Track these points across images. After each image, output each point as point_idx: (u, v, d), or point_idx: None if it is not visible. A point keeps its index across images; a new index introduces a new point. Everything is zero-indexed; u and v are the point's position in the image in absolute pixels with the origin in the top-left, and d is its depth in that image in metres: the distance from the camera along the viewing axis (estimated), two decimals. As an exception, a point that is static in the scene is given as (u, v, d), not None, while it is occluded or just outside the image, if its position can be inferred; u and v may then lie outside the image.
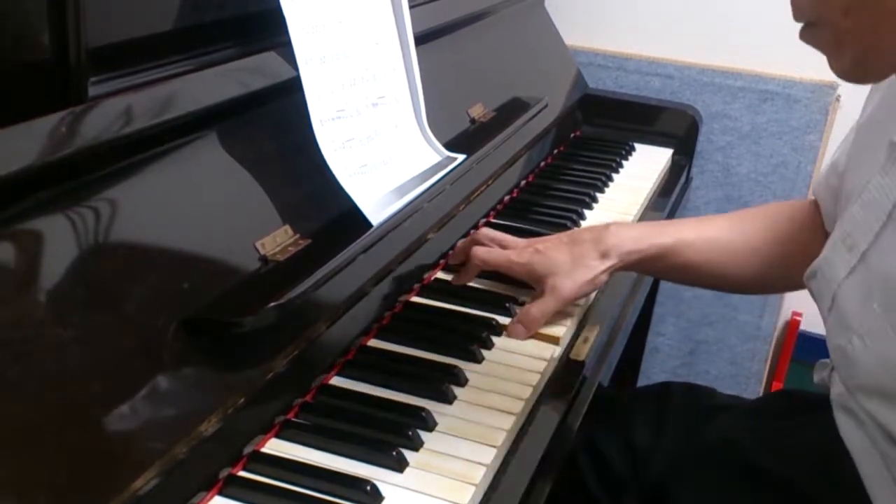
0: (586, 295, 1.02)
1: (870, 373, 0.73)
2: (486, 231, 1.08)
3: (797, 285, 0.92)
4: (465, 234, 1.16)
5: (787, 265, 0.99)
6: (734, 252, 1.02)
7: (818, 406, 0.88)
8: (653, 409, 1.05)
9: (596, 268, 1.00)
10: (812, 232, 0.97)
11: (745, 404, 1.08)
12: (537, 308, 0.97)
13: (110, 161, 0.70)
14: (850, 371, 0.76)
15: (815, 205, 0.99)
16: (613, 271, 1.02)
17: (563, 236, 1.05)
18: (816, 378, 0.90)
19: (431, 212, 1.03)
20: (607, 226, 1.04)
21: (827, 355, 0.84)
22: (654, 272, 1.13)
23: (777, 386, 1.92)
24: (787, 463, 0.89)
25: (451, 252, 1.10)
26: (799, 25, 0.68)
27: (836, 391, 0.82)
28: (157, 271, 0.71)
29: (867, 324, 0.73)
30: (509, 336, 0.96)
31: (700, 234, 1.03)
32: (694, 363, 1.95)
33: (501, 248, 1.05)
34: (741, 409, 1.05)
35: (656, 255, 1.02)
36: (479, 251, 1.04)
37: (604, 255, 1.00)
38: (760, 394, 1.93)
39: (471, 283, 1.06)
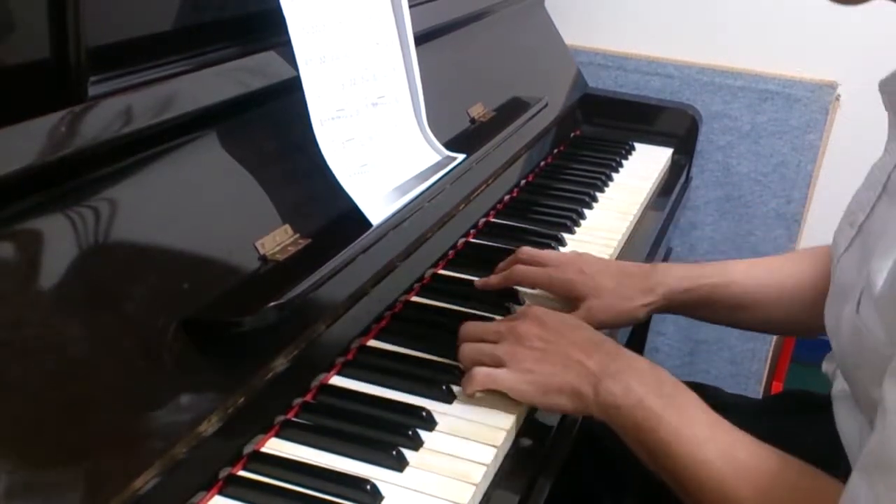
0: (618, 327, 1.01)
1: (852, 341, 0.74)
2: (528, 250, 1.05)
3: None
4: (466, 234, 1.16)
5: None
6: (785, 294, 1.00)
7: (824, 407, 0.88)
8: None
9: (636, 302, 0.99)
10: None
11: (752, 404, 1.08)
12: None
13: (110, 161, 0.70)
14: (839, 345, 0.77)
15: None
16: (653, 310, 1.01)
17: (610, 263, 1.05)
18: (824, 368, 0.90)
19: (431, 211, 1.03)
20: (655, 265, 1.03)
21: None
22: (701, 314, 1.07)
23: (777, 386, 1.92)
24: None
25: (451, 251, 1.10)
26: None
27: (838, 386, 0.82)
28: (157, 271, 0.71)
29: (858, 290, 0.73)
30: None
31: (750, 273, 1.01)
32: (694, 363, 1.95)
33: (541, 266, 1.02)
34: (748, 408, 1.04)
35: (704, 296, 1.00)
36: (519, 269, 1.01)
37: (647, 292, 0.99)
38: (760, 394, 1.93)
39: (470, 280, 1.05)
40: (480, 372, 0.82)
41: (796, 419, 0.96)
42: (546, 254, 1.05)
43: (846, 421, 0.80)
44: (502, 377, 0.82)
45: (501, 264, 1.05)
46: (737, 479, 0.72)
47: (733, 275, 1.02)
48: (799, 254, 1.06)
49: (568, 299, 1.00)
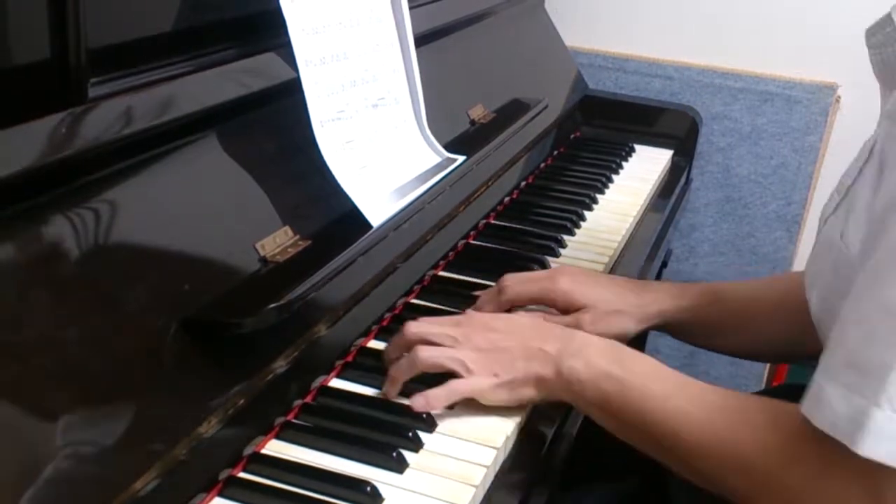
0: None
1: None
2: (512, 276, 1.00)
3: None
4: (465, 236, 1.16)
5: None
6: (784, 306, 0.98)
7: None
8: None
9: (628, 317, 0.97)
10: None
11: None
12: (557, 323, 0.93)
13: (110, 162, 0.70)
14: (818, 294, 0.77)
15: None
16: (646, 327, 0.98)
17: (601, 275, 1.02)
18: None
19: (431, 213, 1.03)
20: (648, 281, 1.00)
21: None
22: (697, 334, 1.03)
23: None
24: None
25: (451, 252, 1.09)
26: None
27: None
28: (158, 272, 0.71)
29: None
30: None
31: (746, 286, 1.00)
32: (694, 364, 1.95)
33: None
34: None
35: (700, 314, 0.98)
36: (513, 290, 0.97)
37: (641, 307, 0.97)
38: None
39: (470, 282, 1.05)
40: (455, 385, 0.80)
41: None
42: (530, 273, 1.02)
43: None
44: (476, 385, 0.81)
45: (487, 293, 0.99)
46: (710, 420, 0.73)
47: (727, 290, 1.00)
48: (799, 272, 1.04)
49: (562, 310, 0.97)
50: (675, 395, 0.76)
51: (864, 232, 0.70)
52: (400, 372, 0.82)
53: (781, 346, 1.02)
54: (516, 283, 0.98)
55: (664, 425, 0.75)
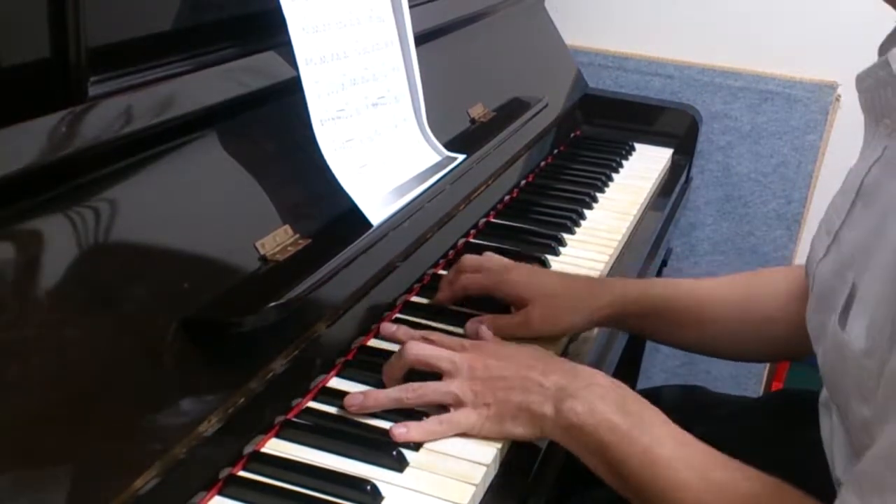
0: (554, 338, 0.96)
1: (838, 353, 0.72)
2: (470, 257, 1.02)
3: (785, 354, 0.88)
4: (466, 234, 1.16)
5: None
6: (752, 310, 0.98)
7: (814, 406, 0.88)
8: None
9: (580, 313, 0.96)
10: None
11: (740, 403, 1.08)
12: (505, 323, 0.94)
13: (110, 161, 0.70)
14: (823, 352, 0.76)
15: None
16: (596, 323, 0.98)
17: (554, 272, 1.03)
18: None
19: (431, 211, 1.03)
20: (601, 278, 0.99)
21: None
22: (651, 329, 1.03)
23: (777, 386, 1.92)
24: (775, 463, 0.88)
25: (451, 251, 1.09)
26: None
27: (825, 393, 0.82)
28: (157, 271, 0.71)
29: (838, 299, 0.71)
30: (466, 332, 0.93)
31: (708, 287, 1.00)
32: (694, 363, 1.95)
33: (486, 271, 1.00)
34: (735, 408, 1.04)
35: (652, 306, 0.98)
36: (465, 278, 0.98)
37: (592, 302, 0.96)
38: (761, 394, 1.93)
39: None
40: (436, 426, 0.77)
41: (783, 420, 0.96)
42: (488, 260, 1.01)
43: (830, 435, 0.79)
44: (460, 423, 0.78)
45: (447, 276, 1.01)
46: (714, 501, 0.70)
47: (688, 287, 0.99)
48: (772, 271, 1.04)
49: (513, 303, 0.97)
50: (682, 463, 0.71)
51: (874, 328, 0.65)
52: (380, 401, 0.80)
53: (738, 345, 1.01)
54: (471, 267, 0.99)
55: (668, 495, 0.71)
